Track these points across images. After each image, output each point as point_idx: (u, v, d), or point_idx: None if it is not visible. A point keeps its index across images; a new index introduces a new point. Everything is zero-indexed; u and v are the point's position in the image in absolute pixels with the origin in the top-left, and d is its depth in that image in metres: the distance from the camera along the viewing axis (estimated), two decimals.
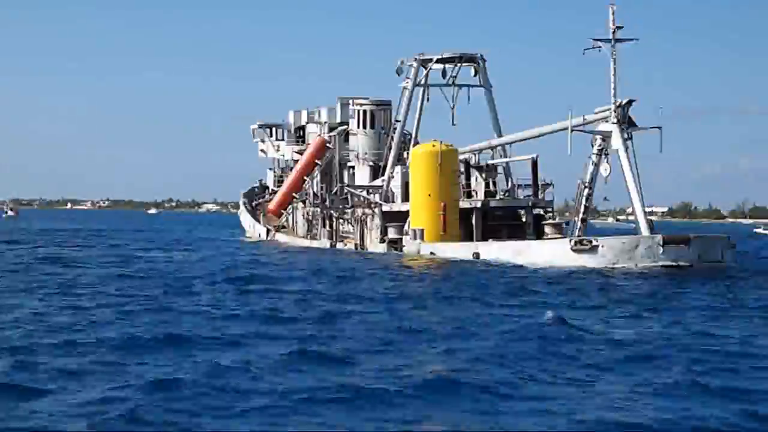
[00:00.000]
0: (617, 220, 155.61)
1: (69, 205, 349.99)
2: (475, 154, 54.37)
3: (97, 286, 28.25)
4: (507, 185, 54.97)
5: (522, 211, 51.94)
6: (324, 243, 60.43)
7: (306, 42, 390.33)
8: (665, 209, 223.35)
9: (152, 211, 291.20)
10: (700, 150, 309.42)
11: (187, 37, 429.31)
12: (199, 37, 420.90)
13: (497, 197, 52.05)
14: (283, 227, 70.32)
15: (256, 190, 79.78)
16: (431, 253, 47.15)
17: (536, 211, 52.25)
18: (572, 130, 42.90)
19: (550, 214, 51.86)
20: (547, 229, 48.99)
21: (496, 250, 44.94)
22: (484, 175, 53.71)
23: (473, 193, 53.05)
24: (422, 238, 48.23)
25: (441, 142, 50.18)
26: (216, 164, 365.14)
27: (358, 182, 61.94)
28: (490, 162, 54.33)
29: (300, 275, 35.01)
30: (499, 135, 54.44)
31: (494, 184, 53.76)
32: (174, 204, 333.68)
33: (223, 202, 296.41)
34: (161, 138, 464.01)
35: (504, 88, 55.70)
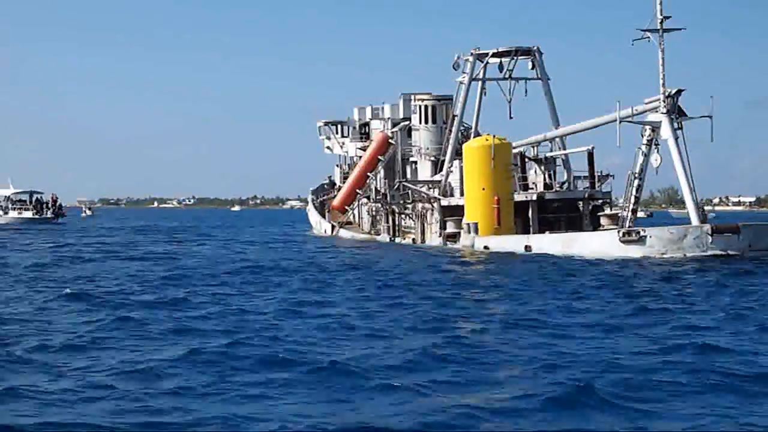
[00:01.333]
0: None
1: (155, 204, 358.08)
2: (533, 147, 55.03)
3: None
4: (566, 177, 55.58)
5: (581, 203, 52.60)
6: (384, 237, 61.82)
7: (379, 37, 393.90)
8: (753, 198, 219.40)
9: (236, 208, 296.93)
10: None
11: (267, 36, 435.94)
12: (278, 36, 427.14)
13: (554, 189, 52.68)
14: (349, 223, 71.85)
15: (325, 186, 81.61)
16: (485, 246, 48.01)
17: (595, 202, 52.92)
18: (621, 122, 43.33)
19: (609, 206, 52.38)
20: (603, 221, 49.50)
21: (547, 242, 45.52)
22: (542, 168, 54.39)
23: (532, 186, 53.82)
24: (476, 231, 49.12)
25: (494, 136, 50.98)
26: (299, 160, 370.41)
27: (420, 177, 62.97)
28: (548, 154, 54.93)
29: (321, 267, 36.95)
30: (557, 127, 55.03)
31: (552, 176, 54.41)
32: (258, 201, 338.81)
33: (306, 198, 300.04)
34: (247, 136, 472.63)
35: (558, 81, 55.82)
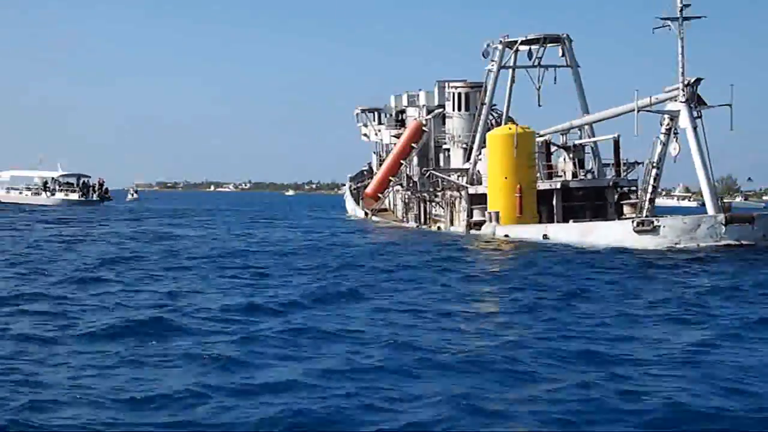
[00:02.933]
0: (746, 199, 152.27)
1: (212, 188, 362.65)
2: (562, 134, 55.64)
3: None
4: (595, 165, 56.14)
5: (606, 192, 53.16)
6: (411, 224, 63.10)
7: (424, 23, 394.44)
8: None
9: (290, 192, 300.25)
10: None
11: (313, 18, 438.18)
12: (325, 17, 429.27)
13: (579, 178, 53.28)
14: (384, 210, 73.01)
15: (364, 173, 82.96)
16: (505, 235, 48.95)
17: (621, 190, 53.45)
18: (639, 111, 43.88)
19: (635, 194, 52.88)
20: (626, 209, 50.00)
21: (565, 232, 46.24)
22: (571, 155, 55.00)
23: (561, 174, 54.49)
24: (497, 220, 50.05)
25: (517, 124, 51.80)
26: (354, 146, 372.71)
27: (452, 164, 63.73)
28: (577, 142, 55.53)
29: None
30: (586, 114, 55.54)
31: (580, 164, 54.90)
32: (314, 186, 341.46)
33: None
34: (305, 121, 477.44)
35: (584, 69, 56.19)
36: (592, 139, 54.91)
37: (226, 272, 28.92)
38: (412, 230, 60.45)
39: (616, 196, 53.01)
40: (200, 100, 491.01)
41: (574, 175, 53.52)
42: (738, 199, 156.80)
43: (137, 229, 56.28)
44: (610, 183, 52.45)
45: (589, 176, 54.52)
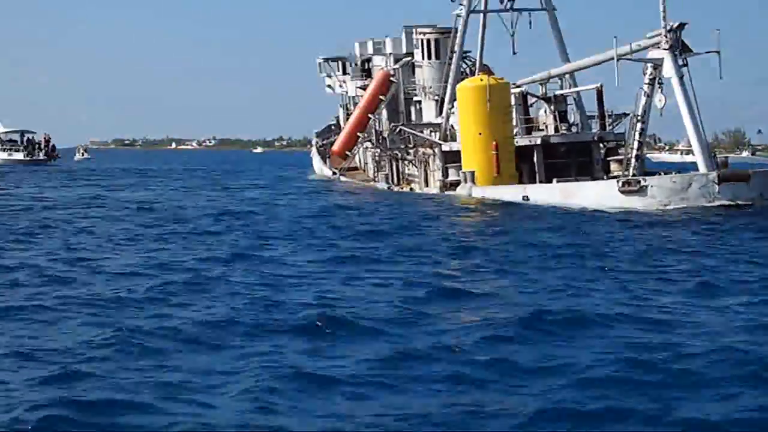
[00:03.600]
0: (753, 153, 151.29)
1: (173, 145, 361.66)
2: (542, 85, 54.98)
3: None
4: (578, 118, 55.59)
5: (592, 147, 52.64)
6: (382, 185, 62.57)
7: None
8: None
9: (258, 150, 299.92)
10: None
11: None
12: None
13: (561, 132, 52.71)
14: (354, 169, 72.50)
15: (332, 128, 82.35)
16: (483, 197, 48.56)
17: (608, 145, 52.99)
18: (619, 60, 43.32)
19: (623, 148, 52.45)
20: (613, 166, 49.29)
21: (545, 192, 45.69)
22: (552, 107, 54.40)
23: (543, 128, 53.93)
24: (473, 181, 49.55)
25: (491, 73, 51.06)
26: (323, 99, 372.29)
27: (424, 118, 63.02)
28: (557, 92, 54.89)
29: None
30: (567, 62, 54.89)
31: (561, 117, 54.12)
32: (284, 143, 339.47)
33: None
34: (271, 73, 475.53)
35: (564, 14, 55.60)
36: (574, 89, 54.29)
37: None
38: (381, 191, 59.95)
39: (602, 152, 52.60)
40: (160, 50, 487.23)
41: (556, 129, 52.95)
42: (744, 154, 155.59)
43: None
44: (595, 137, 51.91)
45: (574, 130, 53.99)
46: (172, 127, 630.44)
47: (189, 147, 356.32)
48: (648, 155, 48.60)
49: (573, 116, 54.48)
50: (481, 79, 50.34)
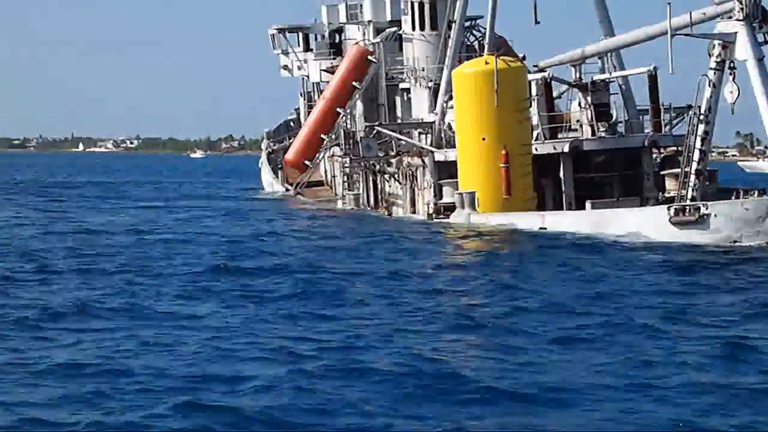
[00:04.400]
0: None
1: (81, 147, 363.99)
2: (575, 67, 55.41)
3: None
4: (624, 114, 56.01)
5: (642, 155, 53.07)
6: (347, 205, 64.25)
7: None
8: None
9: (197, 154, 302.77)
10: None
11: None
12: None
13: (598, 135, 53.09)
14: (319, 183, 73.27)
15: (290, 125, 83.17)
16: (485, 227, 48.92)
17: (665, 152, 53.53)
18: (673, 35, 43.86)
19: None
20: (669, 183, 50.12)
21: (570, 223, 46.47)
22: (589, 99, 54.79)
23: (578, 127, 54.35)
24: (472, 205, 50.00)
25: (500, 54, 51.77)
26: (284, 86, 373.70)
27: (416, 114, 63.78)
28: (597, 77, 55.32)
29: None
30: (610, 36, 55.41)
31: (601, 113, 54.37)
32: (236, 144, 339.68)
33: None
34: (218, 48, 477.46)
35: None
36: (619, 73, 54.84)
37: None
38: (344, 216, 60.66)
39: (657, 161, 53.12)
40: (60, 13, 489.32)
41: (593, 130, 53.38)
42: None
43: None
44: (646, 141, 52.46)
45: (620, 131, 54.41)
46: (80, 122, 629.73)
47: (102, 149, 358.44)
48: (741, 163, 48.96)
49: (617, 112, 54.85)
50: (486, 62, 51.01)
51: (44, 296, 30.84)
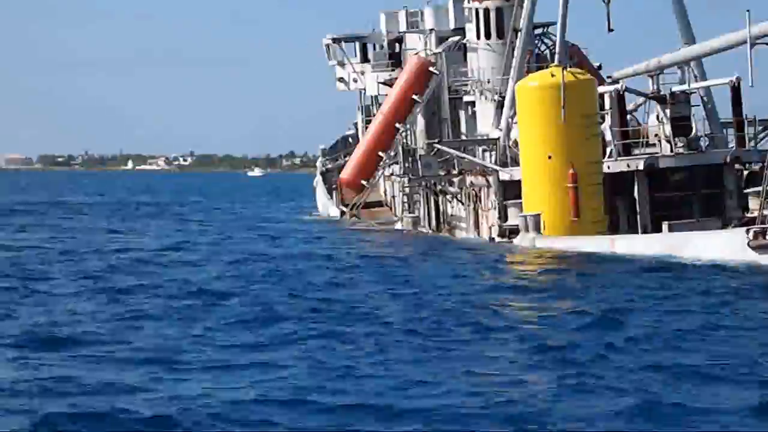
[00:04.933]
0: None
1: (130, 165, 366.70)
2: (652, 78, 55.59)
3: None
4: (706, 128, 56.10)
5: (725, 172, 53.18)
6: (406, 228, 64.93)
7: None
8: None
9: (255, 172, 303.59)
10: None
11: None
12: None
13: (676, 151, 53.20)
14: (378, 204, 73.69)
15: (349, 141, 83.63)
16: (550, 251, 49.20)
17: (751, 168, 53.52)
18: (754, 44, 44.07)
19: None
20: (752, 202, 50.17)
21: (642, 245, 46.78)
22: (667, 112, 54.92)
23: (657, 142, 54.51)
24: (538, 229, 50.31)
25: (566, 67, 52.05)
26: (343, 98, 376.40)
27: (481, 130, 64.11)
28: (676, 89, 55.44)
29: None
30: (690, 42, 55.52)
31: (681, 127, 54.45)
32: (297, 161, 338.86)
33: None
34: (275, 62, 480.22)
35: None
36: (699, 84, 54.98)
37: None
38: (400, 238, 61.46)
39: (743, 178, 53.18)
40: (108, 26, 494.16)
41: (672, 146, 53.49)
42: None
43: None
44: (728, 159, 52.56)
45: (703, 145, 54.59)
46: (130, 138, 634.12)
47: (154, 167, 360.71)
48: None
49: (697, 126, 54.94)
50: (553, 74, 51.24)
51: None
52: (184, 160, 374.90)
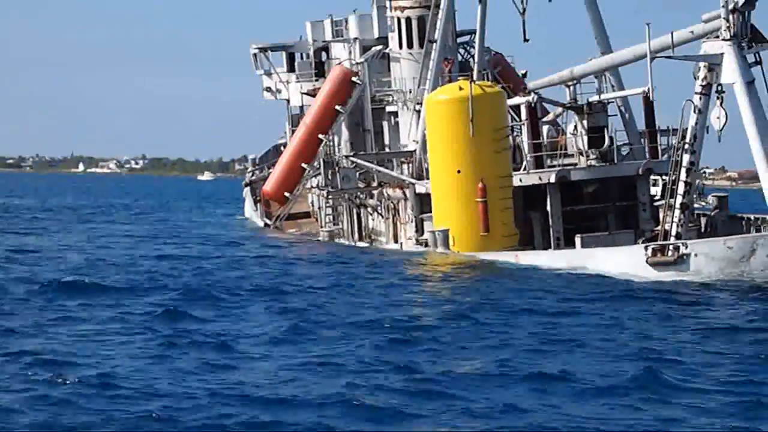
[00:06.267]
0: None
1: (81, 167, 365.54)
2: (569, 87, 55.77)
3: None
4: (622, 139, 56.42)
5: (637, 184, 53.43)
6: (322, 237, 65.63)
7: None
8: None
9: (205, 176, 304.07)
10: None
11: None
12: None
13: (588, 163, 53.44)
14: (305, 215, 73.77)
15: (281, 150, 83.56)
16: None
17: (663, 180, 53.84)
18: (653, 58, 44.26)
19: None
20: (662, 215, 50.51)
21: (546, 261, 47.11)
22: (584, 122, 55.07)
23: (575, 153, 54.68)
24: (445, 244, 50.50)
25: (473, 80, 52.27)
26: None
27: (403, 140, 64.24)
28: (593, 99, 55.63)
29: None
30: (607, 52, 55.78)
31: (595, 138, 54.63)
32: (248, 165, 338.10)
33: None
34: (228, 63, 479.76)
35: None
36: (612, 94, 55.31)
37: None
38: (314, 246, 62.17)
39: (654, 191, 53.38)
40: (57, 20, 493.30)
41: (602, 156, 53.64)
42: None
43: None
44: (640, 170, 52.84)
45: (623, 157, 54.90)
46: (81, 140, 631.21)
47: (105, 170, 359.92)
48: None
49: (612, 136, 55.07)
50: (461, 87, 51.45)
51: None
52: (136, 163, 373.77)
